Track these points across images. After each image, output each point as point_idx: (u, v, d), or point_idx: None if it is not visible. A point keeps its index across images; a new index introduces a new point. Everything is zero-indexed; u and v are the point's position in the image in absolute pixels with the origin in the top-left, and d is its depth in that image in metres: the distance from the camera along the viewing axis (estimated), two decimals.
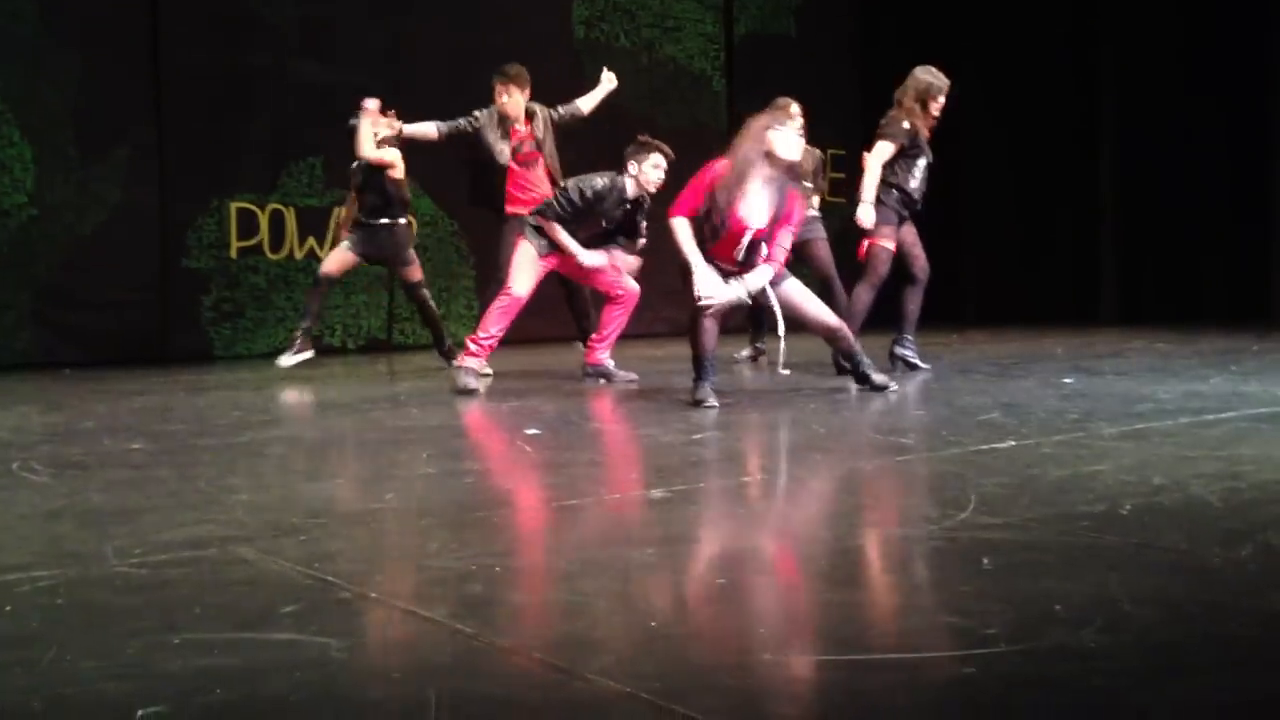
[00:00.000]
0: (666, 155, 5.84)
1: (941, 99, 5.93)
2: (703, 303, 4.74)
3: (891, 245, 5.93)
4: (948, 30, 10.37)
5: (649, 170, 5.81)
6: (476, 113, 6.64)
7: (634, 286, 6.02)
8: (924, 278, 6.12)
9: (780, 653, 1.82)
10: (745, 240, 4.81)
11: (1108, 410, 4.37)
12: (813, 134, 5.79)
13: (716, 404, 4.70)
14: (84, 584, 2.26)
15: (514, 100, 6.56)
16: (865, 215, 5.86)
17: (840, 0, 11.08)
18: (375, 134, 6.71)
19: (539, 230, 5.85)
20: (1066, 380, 5.48)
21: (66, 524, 2.82)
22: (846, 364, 5.27)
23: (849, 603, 2.06)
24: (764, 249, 4.86)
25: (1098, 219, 10.15)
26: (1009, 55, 9.76)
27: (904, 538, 2.66)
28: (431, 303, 7.10)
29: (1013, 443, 3.69)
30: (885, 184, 5.88)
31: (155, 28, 7.83)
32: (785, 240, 4.90)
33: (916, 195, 5.97)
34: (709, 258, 4.83)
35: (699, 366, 4.82)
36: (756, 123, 4.91)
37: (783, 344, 4.99)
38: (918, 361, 6.11)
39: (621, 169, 5.88)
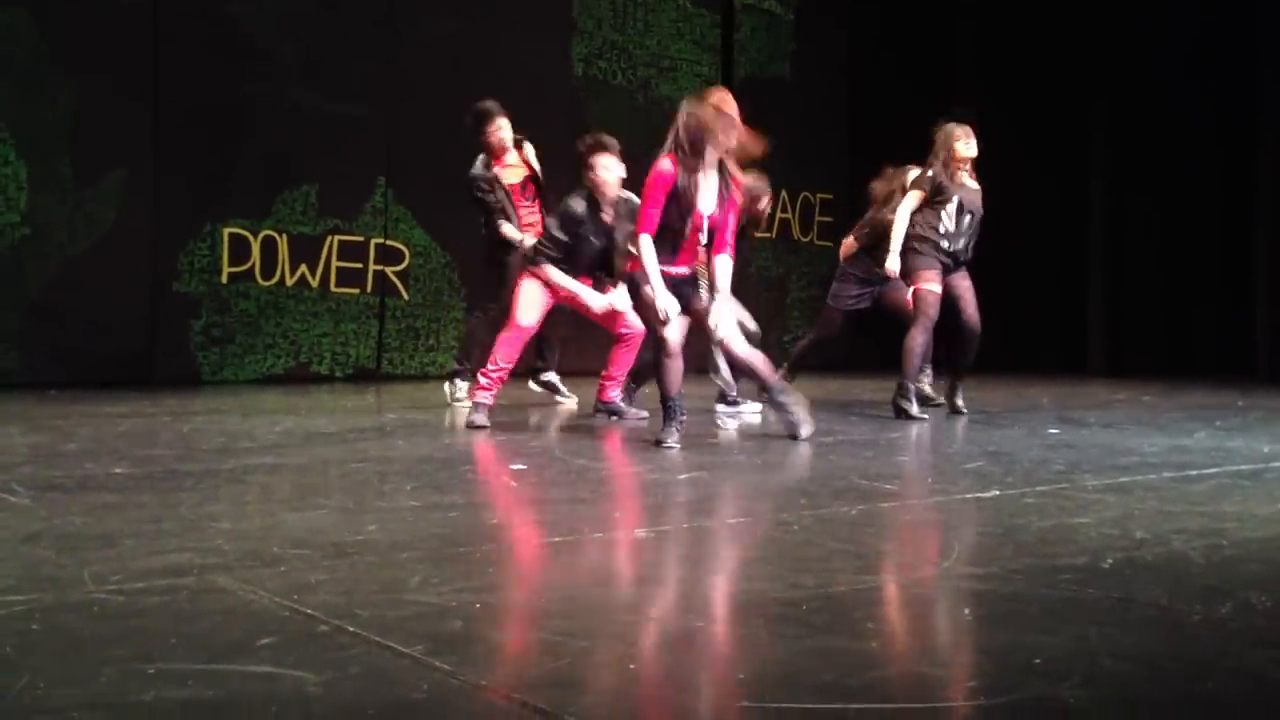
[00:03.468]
0: (613, 150, 5.70)
1: (967, 143, 6.09)
2: (664, 317, 4.78)
3: (937, 288, 6.10)
4: (938, 80, 10.47)
5: (602, 174, 5.70)
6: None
7: (639, 325, 5.98)
8: (969, 334, 6.25)
9: (758, 699, 1.82)
10: (704, 230, 4.84)
11: (1092, 462, 4.38)
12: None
13: (676, 445, 4.71)
14: (59, 610, 2.24)
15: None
16: (890, 264, 6.13)
17: (833, 46, 11.17)
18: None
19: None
20: (1052, 431, 5.50)
21: (44, 548, 2.80)
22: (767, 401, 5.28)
23: (828, 650, 2.06)
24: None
25: (1086, 271, 10.21)
26: (999, 105, 9.83)
27: (886, 585, 2.66)
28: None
29: (997, 492, 3.70)
30: (918, 234, 6.10)
31: (155, 52, 7.85)
32: (733, 224, 4.93)
33: (950, 243, 6.11)
34: (674, 266, 4.88)
35: (665, 408, 4.87)
36: (699, 109, 4.88)
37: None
38: (948, 403, 6.39)
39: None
